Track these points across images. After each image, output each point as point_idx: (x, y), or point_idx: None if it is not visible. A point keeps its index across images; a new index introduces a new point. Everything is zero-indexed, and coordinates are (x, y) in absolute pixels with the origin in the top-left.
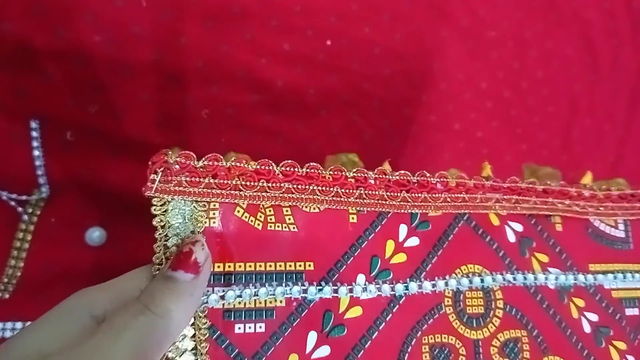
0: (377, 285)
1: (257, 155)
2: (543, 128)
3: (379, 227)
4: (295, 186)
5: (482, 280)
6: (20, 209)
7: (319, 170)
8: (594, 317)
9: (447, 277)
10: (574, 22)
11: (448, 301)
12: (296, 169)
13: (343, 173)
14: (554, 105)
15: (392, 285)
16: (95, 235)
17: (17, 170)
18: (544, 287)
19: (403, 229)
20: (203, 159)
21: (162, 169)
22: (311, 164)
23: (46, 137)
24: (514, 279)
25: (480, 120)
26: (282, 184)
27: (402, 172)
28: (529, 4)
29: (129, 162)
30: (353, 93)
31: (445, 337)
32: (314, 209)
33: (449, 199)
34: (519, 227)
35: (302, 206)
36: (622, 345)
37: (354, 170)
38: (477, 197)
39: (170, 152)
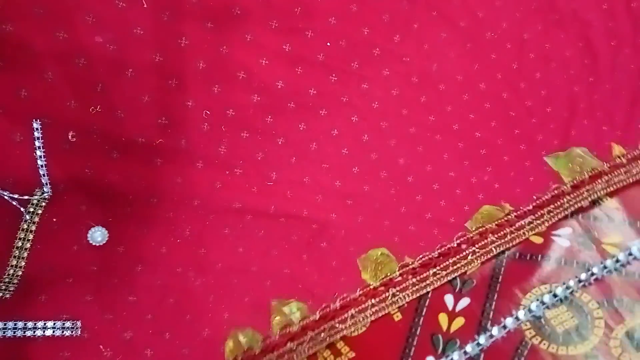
0: (448, 358)
1: (259, 157)
2: (542, 129)
3: (425, 308)
4: (335, 323)
5: (554, 295)
6: (22, 208)
7: (351, 297)
8: None
9: (513, 312)
10: (573, 23)
11: (530, 332)
12: (329, 307)
13: (370, 287)
14: (552, 106)
15: (462, 350)
16: (97, 234)
17: (19, 171)
18: (638, 262)
19: (449, 298)
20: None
21: None
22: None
23: (48, 137)
24: (592, 274)
25: (479, 121)
26: (325, 325)
27: (422, 255)
28: (528, 5)
29: (130, 162)
30: (353, 93)
31: None
32: (361, 329)
33: (477, 251)
34: (567, 231)
35: (350, 333)
36: None
37: (378, 280)
38: (505, 233)
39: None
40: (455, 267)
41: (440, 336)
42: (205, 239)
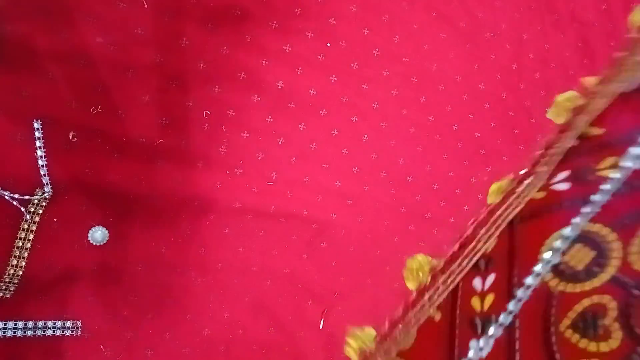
0: (487, 336)
1: (259, 157)
2: (541, 129)
3: (458, 299)
4: (390, 343)
5: (565, 238)
6: (22, 208)
7: (397, 314)
8: None
9: (533, 269)
10: (572, 24)
11: (554, 282)
12: (381, 328)
13: (410, 298)
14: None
15: (497, 323)
16: (97, 234)
17: (20, 170)
18: (636, 172)
19: (477, 281)
20: None
21: None
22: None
23: (49, 137)
24: (594, 204)
25: (478, 121)
26: (384, 345)
27: (441, 257)
28: (526, 6)
29: (131, 162)
30: (353, 94)
31: (579, 307)
32: (411, 339)
33: (491, 228)
34: (564, 174)
35: (404, 346)
36: None
37: (414, 290)
38: (510, 203)
39: None
40: (475, 251)
41: (477, 318)
42: (205, 239)
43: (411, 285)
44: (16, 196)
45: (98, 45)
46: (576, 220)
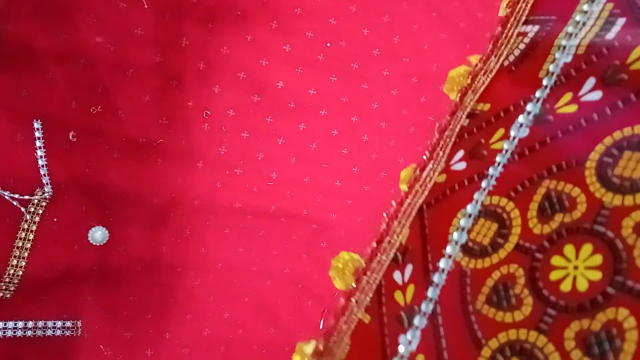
0: (413, 328)
1: (259, 157)
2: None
3: (382, 296)
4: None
5: (468, 216)
6: (22, 208)
7: (326, 325)
8: (591, 82)
9: (444, 252)
10: None
11: (465, 260)
12: (317, 344)
13: (339, 305)
14: None
15: (421, 313)
16: (97, 234)
17: (20, 170)
18: (524, 139)
19: (397, 275)
20: None
21: None
22: None
23: (49, 137)
24: (491, 177)
25: None
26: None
27: (364, 251)
28: None
29: (131, 162)
30: (353, 93)
31: (490, 281)
32: (346, 348)
33: (401, 219)
34: (460, 154)
35: (340, 358)
36: None
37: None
38: (417, 190)
39: None
40: (391, 244)
41: (402, 312)
42: (205, 239)
43: (339, 284)
44: (16, 196)
45: (98, 45)
46: (476, 195)
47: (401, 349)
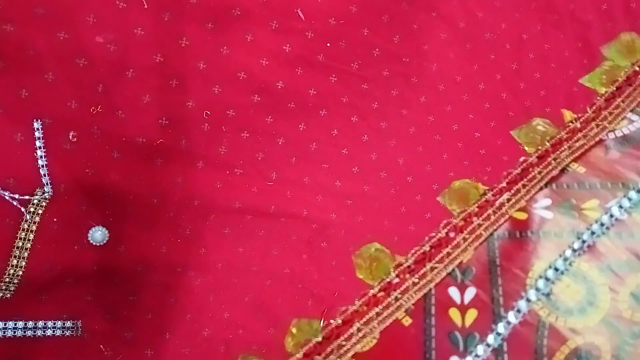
0: (473, 354)
1: (259, 157)
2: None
3: (432, 307)
4: (341, 341)
5: (555, 269)
6: (22, 208)
7: (351, 310)
8: None
9: (522, 294)
10: (572, 24)
11: (544, 312)
12: (332, 324)
13: (369, 294)
14: (551, 107)
15: (485, 343)
16: (97, 234)
17: (20, 171)
18: (620, 221)
19: (454, 291)
20: None
21: None
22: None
23: (49, 137)
24: (584, 242)
25: (478, 121)
26: (331, 347)
27: (414, 251)
28: (526, 6)
29: (131, 162)
30: (353, 94)
31: (572, 343)
32: (372, 342)
33: (467, 237)
34: (547, 202)
35: (361, 348)
36: None
37: (376, 285)
38: (489, 214)
39: None
40: (450, 257)
41: (457, 333)
42: (205, 239)
43: (362, 275)
44: (16, 196)
45: (98, 45)
46: (567, 254)
47: None
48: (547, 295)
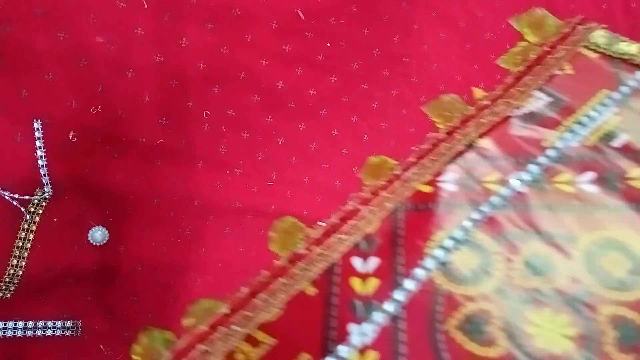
0: (371, 321)
1: (259, 157)
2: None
3: (336, 276)
4: (246, 312)
5: (454, 239)
6: (22, 208)
7: (258, 281)
8: (589, 176)
9: (420, 262)
10: None
11: (442, 279)
12: (236, 295)
13: (276, 266)
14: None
15: (383, 310)
16: (97, 234)
17: (20, 171)
18: (519, 195)
19: (357, 261)
20: (166, 353)
21: None
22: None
23: (49, 137)
24: (482, 213)
25: None
26: (236, 317)
27: (319, 223)
28: (526, 6)
29: (131, 162)
30: (353, 94)
31: (465, 310)
32: (277, 312)
33: (374, 210)
34: (451, 176)
35: (266, 319)
36: (638, 172)
37: (283, 257)
38: (396, 187)
39: None
40: (356, 228)
41: (358, 301)
42: (205, 239)
43: (275, 248)
44: (16, 196)
45: (98, 45)
46: (465, 224)
47: (354, 339)
48: (445, 264)
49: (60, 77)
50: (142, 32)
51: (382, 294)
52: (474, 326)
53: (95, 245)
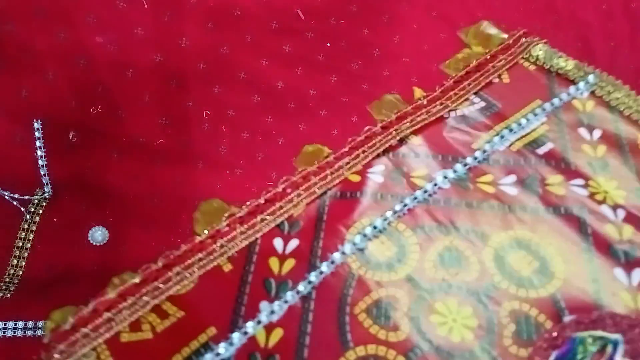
0: (282, 299)
1: (259, 157)
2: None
3: (255, 255)
4: (158, 283)
5: (374, 227)
6: (22, 208)
7: (175, 255)
8: (511, 179)
9: (339, 246)
10: (572, 24)
11: (356, 264)
12: (151, 266)
13: (195, 241)
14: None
15: (295, 290)
16: (97, 234)
17: (20, 171)
18: (443, 191)
19: (278, 242)
20: (70, 318)
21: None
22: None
23: (49, 137)
24: (405, 205)
25: None
26: (147, 288)
27: (249, 203)
28: (526, 6)
29: (131, 162)
30: (353, 94)
31: (375, 295)
32: (189, 285)
33: (302, 194)
34: (380, 168)
35: (177, 291)
36: (557, 179)
37: (205, 231)
38: (327, 174)
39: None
40: (282, 210)
41: (272, 280)
42: None
43: (199, 229)
44: (16, 196)
45: (98, 45)
46: (387, 215)
47: (262, 316)
48: (362, 250)
49: (60, 77)
50: (142, 32)
51: (297, 275)
52: (380, 311)
53: (95, 245)
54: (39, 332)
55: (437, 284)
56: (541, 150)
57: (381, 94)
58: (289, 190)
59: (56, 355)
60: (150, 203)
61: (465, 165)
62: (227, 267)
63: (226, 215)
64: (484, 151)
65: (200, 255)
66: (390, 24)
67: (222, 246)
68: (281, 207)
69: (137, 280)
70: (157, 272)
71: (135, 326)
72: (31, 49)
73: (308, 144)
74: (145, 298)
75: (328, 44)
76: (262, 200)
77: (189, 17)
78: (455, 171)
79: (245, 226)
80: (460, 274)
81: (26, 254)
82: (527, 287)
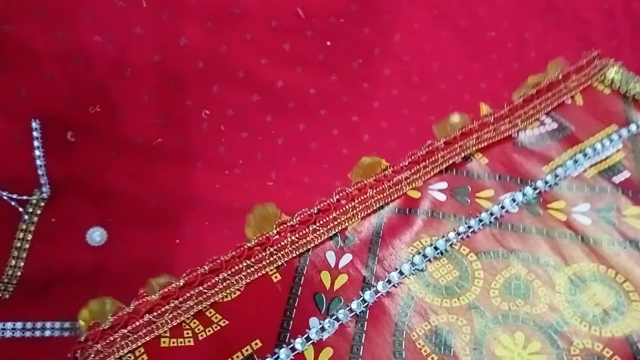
0: (333, 317)
1: (259, 157)
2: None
3: (305, 267)
4: (203, 288)
5: (435, 248)
6: (20, 209)
7: (222, 259)
8: (585, 207)
9: (397, 266)
10: (574, 23)
11: (414, 286)
12: (198, 271)
13: (244, 247)
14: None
15: (348, 308)
16: (95, 235)
17: (18, 171)
18: (510, 215)
19: (331, 256)
20: (109, 317)
21: (78, 350)
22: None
23: (47, 137)
24: (469, 227)
25: None
26: (191, 292)
27: (300, 212)
28: (528, 5)
29: (129, 162)
30: (353, 93)
31: (434, 321)
32: (235, 293)
33: (357, 206)
34: (442, 185)
35: (222, 298)
36: (635, 211)
37: (254, 239)
38: (384, 188)
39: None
40: (335, 222)
41: (323, 295)
42: (204, 240)
43: (251, 232)
44: (14, 196)
45: (96, 44)
46: (449, 236)
47: (312, 333)
48: (421, 271)
49: (59, 77)
50: (141, 31)
51: (349, 292)
52: (440, 339)
53: (94, 245)
54: (37, 333)
55: (502, 315)
56: (617, 179)
57: (381, 94)
58: (343, 202)
59: (93, 356)
60: (149, 203)
61: (535, 189)
62: (276, 277)
63: (278, 222)
64: (556, 175)
65: (248, 262)
66: (391, 23)
67: (271, 254)
68: (335, 219)
69: (181, 283)
70: (202, 276)
71: (176, 332)
72: (29, 48)
73: (366, 156)
74: (189, 303)
75: (328, 43)
76: (315, 210)
77: (188, 16)
78: (524, 194)
79: (297, 235)
80: (527, 305)
81: (24, 255)
82: (600, 324)
